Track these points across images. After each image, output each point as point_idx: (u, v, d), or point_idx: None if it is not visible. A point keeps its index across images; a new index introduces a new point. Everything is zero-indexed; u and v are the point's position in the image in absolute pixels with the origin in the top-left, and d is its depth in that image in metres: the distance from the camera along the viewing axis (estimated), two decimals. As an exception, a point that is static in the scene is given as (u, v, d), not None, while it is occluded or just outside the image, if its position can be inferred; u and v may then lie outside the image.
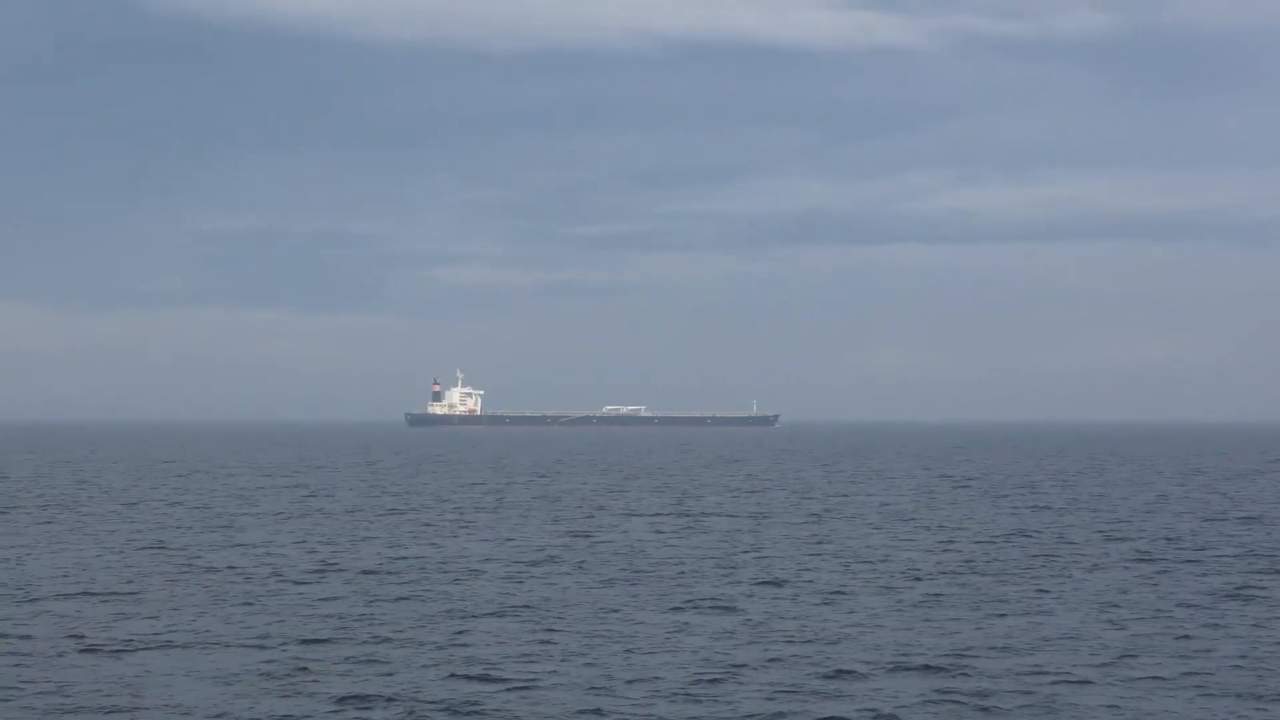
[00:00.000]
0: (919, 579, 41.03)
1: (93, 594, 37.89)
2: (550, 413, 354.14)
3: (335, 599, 36.90)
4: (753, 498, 79.16)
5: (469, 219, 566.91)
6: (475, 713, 24.06)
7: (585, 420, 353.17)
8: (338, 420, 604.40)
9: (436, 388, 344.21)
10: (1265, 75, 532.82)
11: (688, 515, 65.68)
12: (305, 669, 27.49)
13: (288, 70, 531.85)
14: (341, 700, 24.87)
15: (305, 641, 30.47)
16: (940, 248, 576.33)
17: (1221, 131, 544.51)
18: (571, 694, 25.22)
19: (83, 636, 31.15)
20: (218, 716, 23.93)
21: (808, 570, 43.25)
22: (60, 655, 29.04)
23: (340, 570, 43.41)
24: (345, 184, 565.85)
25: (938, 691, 25.49)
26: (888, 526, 59.11)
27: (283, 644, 30.18)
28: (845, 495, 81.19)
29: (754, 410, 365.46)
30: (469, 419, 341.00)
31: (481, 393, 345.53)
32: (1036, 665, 27.88)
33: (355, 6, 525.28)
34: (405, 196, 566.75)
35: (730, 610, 34.81)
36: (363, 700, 24.84)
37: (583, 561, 45.73)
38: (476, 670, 27.28)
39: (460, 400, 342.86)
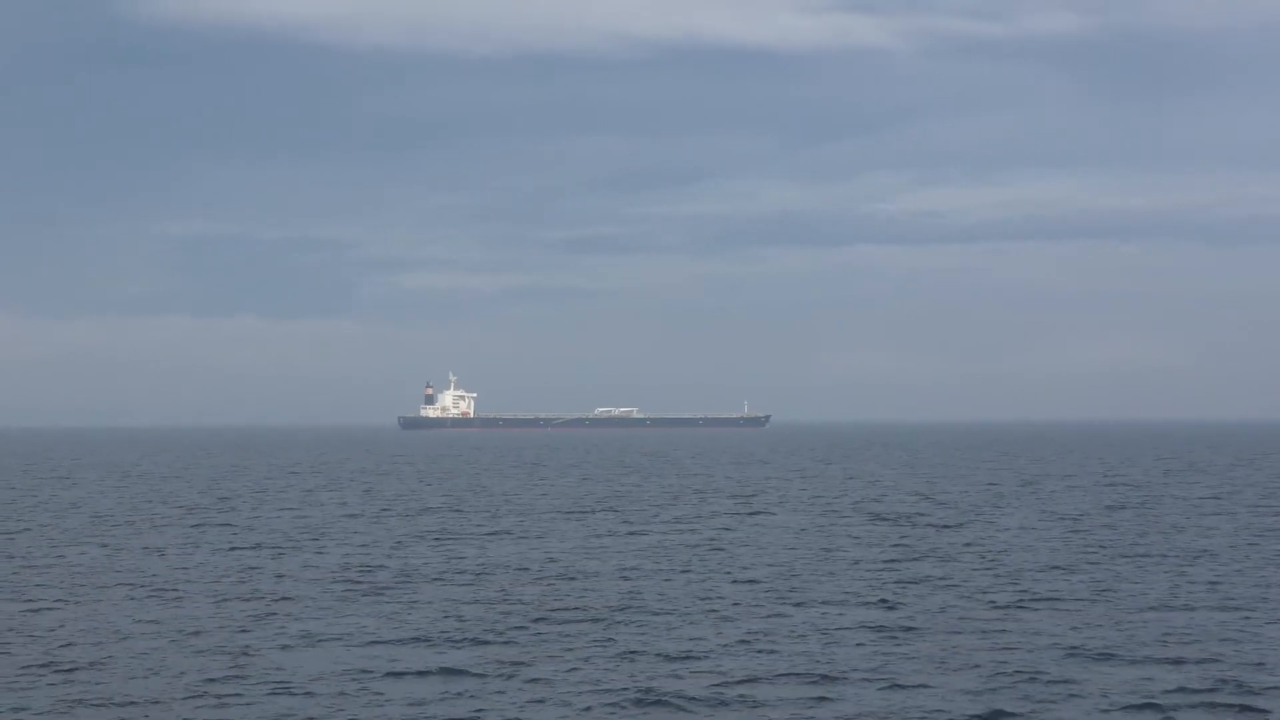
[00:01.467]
0: (1026, 577, 41.66)
1: (236, 597, 38.28)
2: (543, 415, 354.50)
3: (474, 601, 37.26)
4: (804, 498, 79.76)
5: (438, 224, 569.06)
6: (714, 705, 24.67)
7: (578, 422, 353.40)
8: (324, 424, 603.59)
9: (429, 391, 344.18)
10: (1233, 76, 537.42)
11: (761, 514, 66.28)
12: (521, 663, 28.14)
13: (257, 76, 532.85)
14: (579, 695, 25.48)
15: (480, 641, 30.94)
16: (909, 249, 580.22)
17: (1189, 131, 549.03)
18: (794, 687, 25.85)
19: (248, 636, 31.61)
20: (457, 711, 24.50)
21: (924, 567, 43.88)
22: (254, 655, 29.50)
23: (447, 572, 43.85)
24: (315, 189, 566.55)
25: (1144, 682, 26.16)
26: (963, 526, 59.72)
27: (460, 644, 30.67)
28: (884, 496, 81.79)
29: (745, 411, 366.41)
30: (462, 422, 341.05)
31: (475, 395, 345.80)
32: (1219, 654, 28.57)
33: (331, 12, 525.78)
34: (373, 202, 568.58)
35: (885, 607, 35.41)
36: (602, 695, 25.43)
37: (689, 560, 46.25)
38: (682, 667, 27.88)
39: (453, 403, 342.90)
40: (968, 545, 50.63)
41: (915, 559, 46.60)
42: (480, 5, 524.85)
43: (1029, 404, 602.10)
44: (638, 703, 24.88)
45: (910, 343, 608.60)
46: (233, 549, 50.97)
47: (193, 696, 25.62)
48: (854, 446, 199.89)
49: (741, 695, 25.24)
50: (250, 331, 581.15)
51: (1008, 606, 35.28)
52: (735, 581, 40.80)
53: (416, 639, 31.08)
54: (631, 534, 56.57)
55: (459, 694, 25.66)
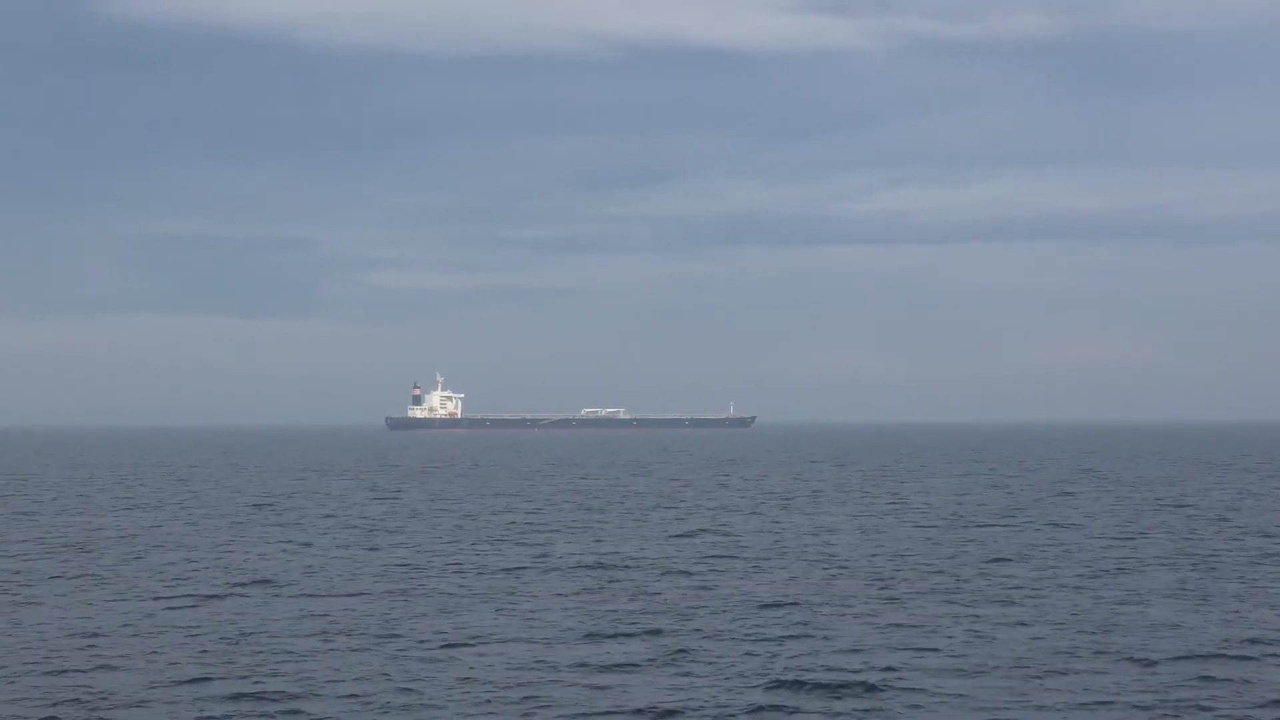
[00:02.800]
0: (1124, 575, 42.46)
1: (364, 593, 38.77)
2: (530, 415, 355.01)
3: (606, 596, 37.81)
4: (837, 499, 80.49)
5: (409, 223, 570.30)
6: (913, 699, 25.38)
7: (565, 423, 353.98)
8: (301, 423, 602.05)
9: (417, 391, 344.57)
10: (1203, 76, 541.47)
11: (810, 514, 66.95)
12: (683, 650, 28.85)
13: (230, 76, 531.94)
14: (761, 686, 26.18)
15: (637, 634, 31.55)
16: (879, 249, 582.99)
17: (1159, 132, 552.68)
18: (985, 678, 26.56)
19: (411, 631, 32.16)
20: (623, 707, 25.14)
21: (1013, 567, 44.61)
22: (425, 651, 30.04)
23: (556, 569, 44.38)
24: (285, 189, 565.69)
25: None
26: (1019, 526, 60.51)
27: (621, 638, 31.27)
28: (917, 495, 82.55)
29: (731, 412, 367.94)
30: (449, 422, 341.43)
31: (462, 396, 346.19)
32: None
33: (306, 12, 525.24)
34: (344, 201, 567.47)
35: (1007, 603, 36.11)
36: (787, 686, 26.16)
37: (773, 558, 46.87)
38: (852, 660, 28.57)
39: (440, 404, 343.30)
40: (1037, 545, 51.34)
41: (999, 559, 47.14)
42: (455, 5, 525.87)
43: (1001, 405, 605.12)
44: (819, 693, 25.63)
45: (882, 343, 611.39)
46: (322, 547, 51.40)
47: (401, 690, 26.14)
48: (850, 448, 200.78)
49: (935, 687, 25.91)
50: (221, 331, 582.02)
51: (1136, 604, 35.93)
52: (838, 578, 41.43)
53: (575, 632, 31.64)
54: (701, 531, 57.18)
55: (651, 685, 26.17)
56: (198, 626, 33.18)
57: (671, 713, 24.32)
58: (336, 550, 50.33)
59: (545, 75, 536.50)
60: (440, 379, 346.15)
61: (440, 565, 45.40)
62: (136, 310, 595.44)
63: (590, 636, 31.38)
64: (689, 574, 42.72)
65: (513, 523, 62.35)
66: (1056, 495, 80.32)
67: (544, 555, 48.52)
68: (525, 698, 25.41)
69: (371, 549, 50.69)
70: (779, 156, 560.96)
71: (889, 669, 27.58)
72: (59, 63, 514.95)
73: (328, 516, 66.52)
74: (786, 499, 78.99)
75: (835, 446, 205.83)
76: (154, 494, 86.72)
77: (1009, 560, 46.38)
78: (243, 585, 40.63)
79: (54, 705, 25.19)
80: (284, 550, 50.55)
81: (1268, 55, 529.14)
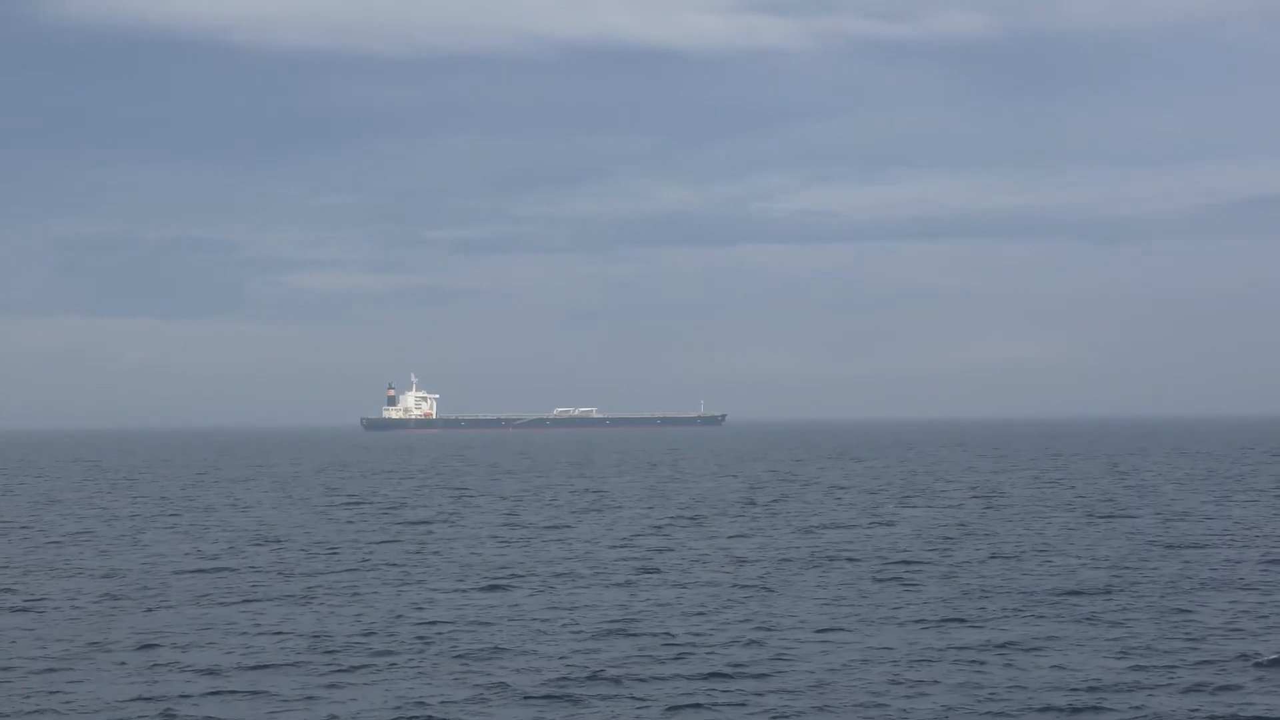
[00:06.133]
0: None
1: (680, 585, 40.95)
2: (504, 416, 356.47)
3: (742, 587, 40.00)
4: (880, 491, 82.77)
5: (327, 224, 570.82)
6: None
7: (539, 422, 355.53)
8: (280, 425, 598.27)
9: (391, 392, 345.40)
10: (1125, 76, 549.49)
11: (907, 508, 69.32)
12: (920, 660, 30.24)
13: (145, 75, 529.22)
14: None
15: (966, 625, 33.72)
16: (801, 248, 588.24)
17: (1078, 131, 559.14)
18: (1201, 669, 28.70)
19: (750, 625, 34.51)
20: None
21: (1214, 554, 47.21)
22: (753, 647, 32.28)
23: (767, 560, 46.55)
24: (204, 189, 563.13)
25: None
26: (1133, 518, 63.13)
27: (944, 626, 33.57)
28: (960, 490, 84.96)
29: (701, 410, 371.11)
30: (425, 423, 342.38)
31: (437, 397, 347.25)
32: None
33: (244, 15, 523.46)
34: (265, 202, 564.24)
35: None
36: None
37: (944, 553, 49.12)
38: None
39: (415, 404, 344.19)
40: (1182, 538, 53.82)
41: (1171, 545, 49.63)
42: (384, 6, 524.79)
43: (920, 402, 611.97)
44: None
45: (802, 342, 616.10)
46: (514, 541, 53.37)
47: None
48: (838, 446, 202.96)
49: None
50: (142, 333, 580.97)
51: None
52: (1055, 575, 43.38)
53: (885, 621, 33.82)
54: (834, 527, 59.17)
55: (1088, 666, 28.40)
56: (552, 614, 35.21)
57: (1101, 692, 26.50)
58: (561, 545, 52.24)
59: (473, 75, 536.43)
60: (415, 379, 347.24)
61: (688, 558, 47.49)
62: (56, 312, 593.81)
63: (917, 625, 33.12)
64: (928, 564, 44.83)
65: (624, 518, 64.36)
66: (1139, 493, 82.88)
67: (730, 548, 50.66)
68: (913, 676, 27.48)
69: (596, 544, 52.64)
70: (702, 156, 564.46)
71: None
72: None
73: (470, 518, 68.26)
74: (873, 494, 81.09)
75: (817, 445, 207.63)
76: (232, 497, 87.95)
77: (1181, 547, 48.77)
78: (532, 577, 42.66)
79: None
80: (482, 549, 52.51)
81: (1185, 55, 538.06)
